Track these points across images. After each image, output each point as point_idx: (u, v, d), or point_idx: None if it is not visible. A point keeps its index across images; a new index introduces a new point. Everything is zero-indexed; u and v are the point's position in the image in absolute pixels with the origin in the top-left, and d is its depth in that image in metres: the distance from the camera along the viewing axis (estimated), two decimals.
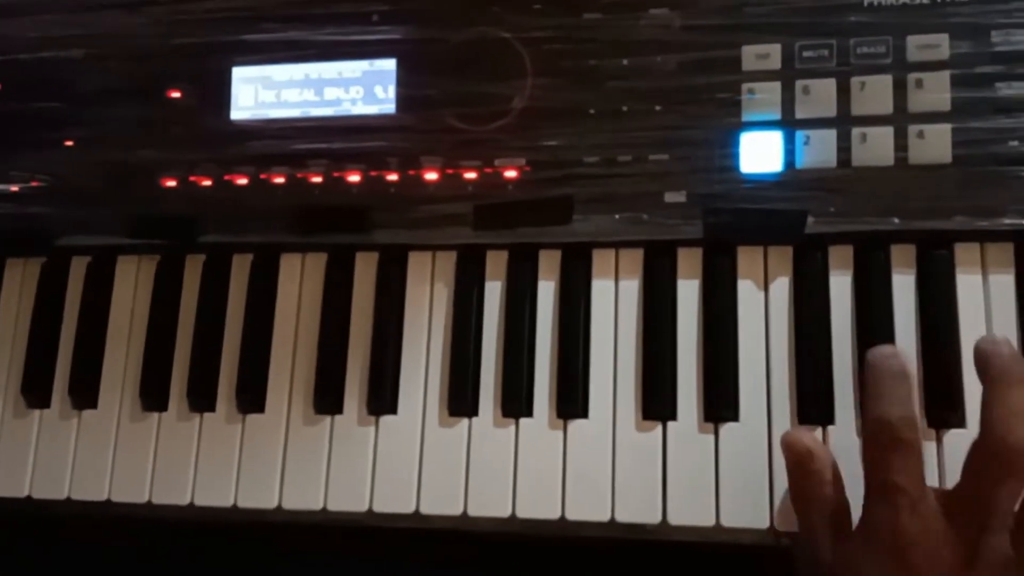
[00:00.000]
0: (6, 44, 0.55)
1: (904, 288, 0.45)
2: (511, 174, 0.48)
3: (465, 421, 0.47)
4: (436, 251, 0.50)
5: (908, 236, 0.45)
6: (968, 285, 0.45)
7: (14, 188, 0.54)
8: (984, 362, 0.40)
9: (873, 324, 0.45)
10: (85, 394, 0.52)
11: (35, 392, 0.52)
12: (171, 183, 0.51)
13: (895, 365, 0.40)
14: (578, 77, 0.48)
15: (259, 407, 0.50)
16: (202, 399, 0.50)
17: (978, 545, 0.38)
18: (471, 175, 0.49)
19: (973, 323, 0.44)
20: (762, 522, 0.43)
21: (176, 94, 0.52)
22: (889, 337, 0.44)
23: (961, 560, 0.38)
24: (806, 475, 0.41)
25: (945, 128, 0.44)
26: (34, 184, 0.54)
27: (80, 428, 0.51)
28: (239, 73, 0.52)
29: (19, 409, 0.53)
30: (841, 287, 0.45)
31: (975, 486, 0.39)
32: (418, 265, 0.50)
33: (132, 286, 0.53)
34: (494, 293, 0.49)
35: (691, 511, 0.44)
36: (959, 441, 0.42)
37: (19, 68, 0.54)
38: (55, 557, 0.55)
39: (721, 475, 0.44)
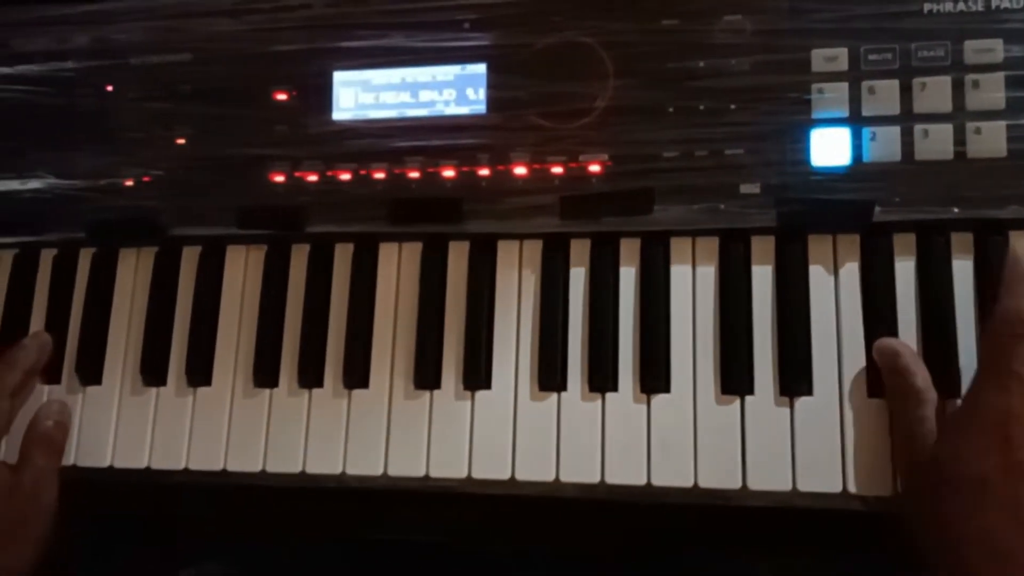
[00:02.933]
0: (117, 49, 0.59)
1: (963, 271, 0.49)
2: (595, 168, 0.52)
3: (555, 395, 0.52)
4: (523, 239, 0.54)
5: (966, 224, 0.49)
6: None
7: (128, 182, 0.58)
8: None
9: (934, 304, 0.49)
10: (200, 373, 0.56)
11: (153, 371, 0.57)
12: (279, 178, 0.56)
13: None
14: (657, 78, 0.52)
15: (364, 383, 0.54)
16: (311, 377, 0.55)
17: None
18: (557, 169, 0.53)
19: None
20: (835, 486, 0.47)
21: (281, 96, 0.56)
22: (950, 315, 0.48)
23: None
24: (896, 372, 0.46)
25: (1000, 125, 0.48)
26: (146, 179, 0.58)
27: (195, 404, 0.56)
28: (340, 77, 0.56)
29: (136, 387, 0.57)
30: (905, 271, 0.49)
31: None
32: (507, 252, 0.54)
33: (241, 273, 0.57)
34: (578, 278, 0.53)
35: (769, 477, 0.48)
36: None
37: (130, 71, 0.59)
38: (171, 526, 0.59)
39: (797, 444, 0.48)
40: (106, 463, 0.56)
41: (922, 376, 0.46)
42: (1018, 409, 0.42)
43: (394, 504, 0.54)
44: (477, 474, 0.51)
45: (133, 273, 0.59)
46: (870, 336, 0.49)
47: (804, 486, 0.48)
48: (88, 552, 0.59)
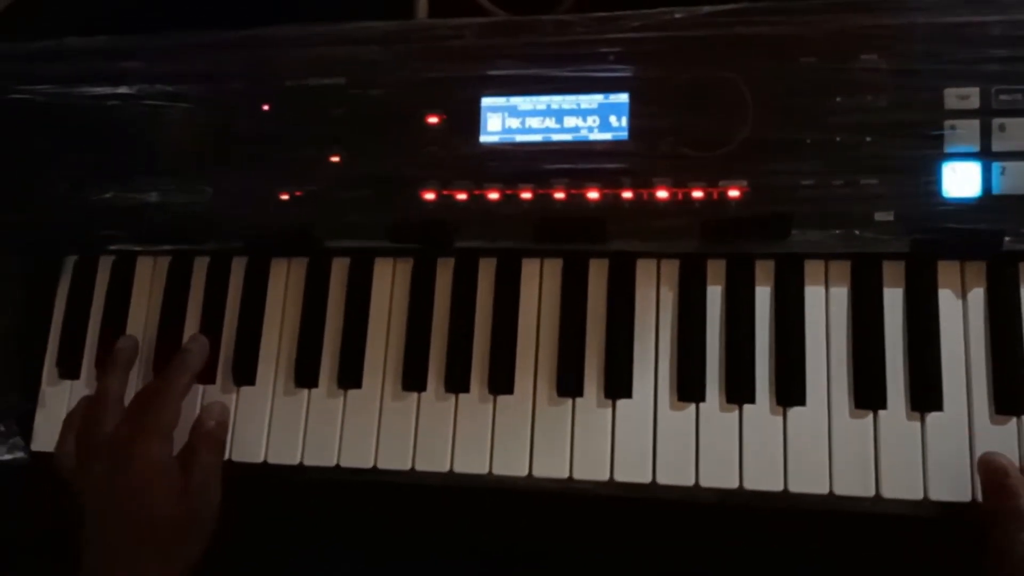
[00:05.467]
0: (274, 70, 0.63)
1: None
2: (734, 194, 0.56)
3: (693, 406, 0.55)
4: (661, 259, 0.58)
5: None
6: None
7: (284, 196, 0.62)
8: None
9: None
10: (351, 376, 0.60)
11: (305, 373, 0.61)
12: (429, 195, 0.60)
13: None
14: (795, 112, 0.55)
15: (508, 389, 0.58)
16: (458, 382, 0.58)
17: None
18: (697, 194, 0.56)
19: None
20: (966, 496, 0.51)
21: (433, 119, 0.60)
22: None
23: None
24: (1003, 491, 0.49)
25: None
26: (298, 194, 0.63)
27: (346, 405, 0.60)
28: (487, 103, 0.60)
29: (289, 388, 0.61)
30: None
31: None
32: (645, 271, 0.58)
33: (389, 284, 0.61)
34: (715, 296, 0.57)
35: (902, 486, 0.51)
36: None
37: (286, 92, 0.63)
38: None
39: (928, 455, 0.52)
40: (260, 459, 0.60)
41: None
42: None
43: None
44: (619, 477, 0.55)
45: (284, 281, 0.63)
46: (996, 357, 0.52)
47: (935, 495, 0.51)
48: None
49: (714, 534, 0.56)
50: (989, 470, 0.50)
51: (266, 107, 0.63)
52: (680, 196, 0.57)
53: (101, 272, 0.66)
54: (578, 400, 0.57)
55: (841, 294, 0.55)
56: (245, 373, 0.62)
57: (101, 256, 0.66)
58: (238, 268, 0.64)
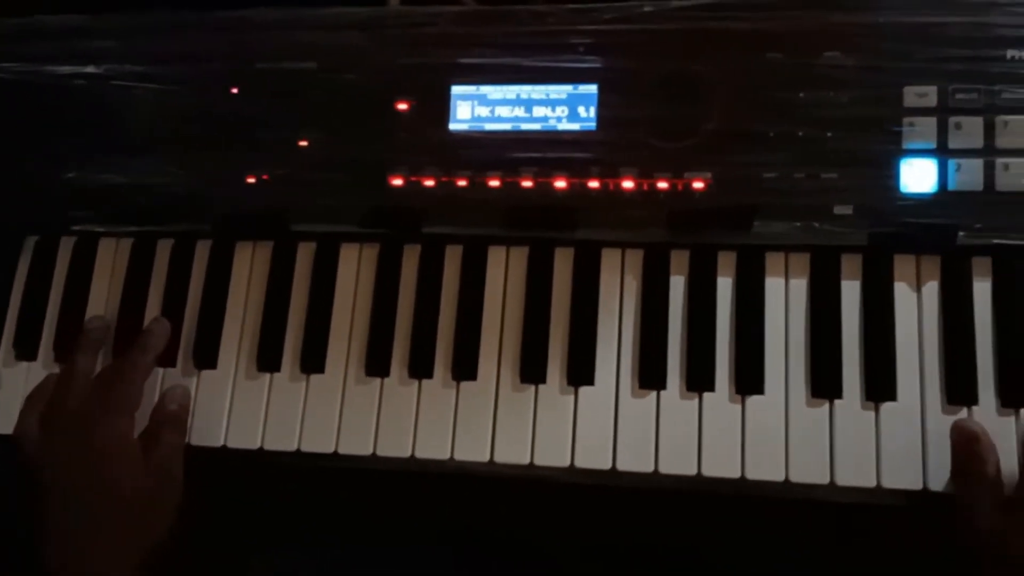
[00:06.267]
0: (245, 53, 0.63)
1: None
2: (699, 185, 0.57)
3: (654, 393, 0.56)
4: (626, 248, 0.59)
5: None
6: None
7: (250, 180, 0.62)
8: None
9: (1008, 322, 0.53)
10: (314, 360, 0.60)
11: (268, 357, 0.61)
12: (397, 181, 0.60)
13: None
14: (760, 105, 0.56)
15: (472, 375, 0.58)
16: (421, 367, 0.58)
17: None
18: (663, 185, 0.57)
19: None
20: (917, 484, 0.52)
21: (403, 106, 0.60)
22: (1021, 334, 0.53)
23: None
24: (971, 456, 0.50)
25: None
26: (265, 177, 0.62)
27: (308, 390, 0.60)
28: (458, 91, 0.60)
29: (251, 372, 0.61)
30: (982, 292, 0.54)
31: None
32: (610, 260, 0.59)
33: (355, 269, 0.61)
34: (677, 286, 0.58)
35: (856, 474, 0.52)
36: None
37: (257, 75, 0.63)
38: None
39: (882, 446, 0.53)
40: (220, 443, 0.60)
41: (993, 462, 0.50)
42: None
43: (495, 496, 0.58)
44: (580, 463, 0.55)
45: (249, 265, 0.63)
46: (948, 349, 0.53)
47: (888, 483, 0.52)
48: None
49: (674, 521, 0.57)
50: (961, 435, 0.51)
51: (235, 90, 0.63)
52: (646, 186, 0.57)
53: (62, 253, 0.65)
54: (541, 387, 0.57)
55: (800, 286, 0.56)
56: (207, 356, 0.61)
57: (63, 237, 0.65)
58: (203, 251, 0.63)
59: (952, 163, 0.54)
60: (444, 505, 0.59)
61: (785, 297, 0.56)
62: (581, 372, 0.57)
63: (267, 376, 0.60)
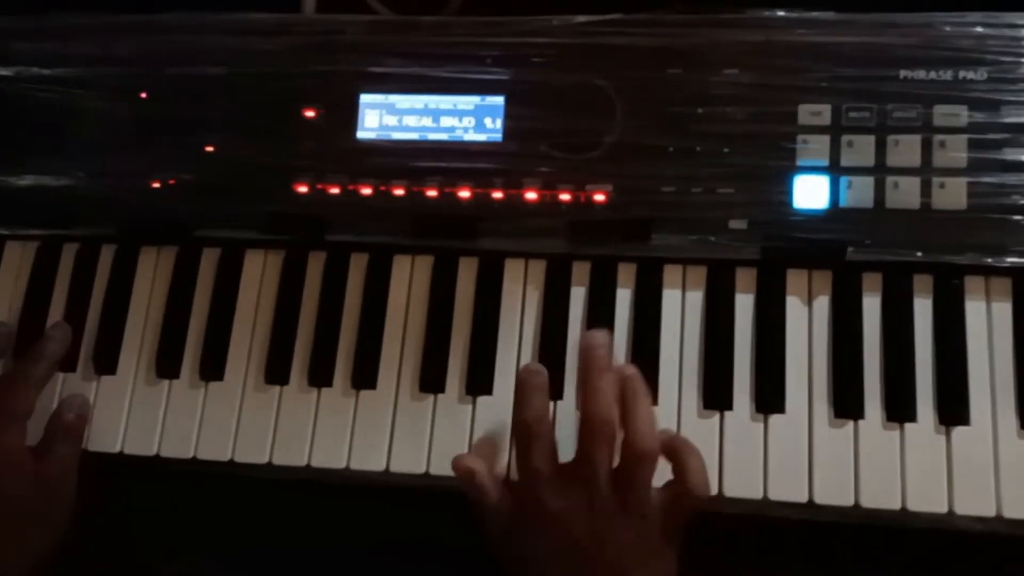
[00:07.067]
0: (154, 58, 0.62)
1: (923, 310, 0.54)
2: (600, 197, 0.57)
3: (551, 403, 0.55)
4: (529, 259, 0.59)
5: (928, 267, 0.54)
6: (975, 311, 0.54)
7: (155, 184, 0.62)
8: (584, 353, 0.52)
9: (895, 337, 0.54)
10: (213, 367, 0.59)
11: (167, 364, 0.60)
12: (303, 188, 0.60)
13: (537, 380, 0.52)
14: (660, 120, 0.57)
15: (371, 384, 0.58)
16: (321, 376, 0.58)
17: (591, 498, 0.49)
18: (565, 196, 0.57)
19: (978, 342, 0.54)
20: (803, 496, 0.52)
21: (310, 113, 0.60)
22: (909, 348, 0.54)
23: (584, 509, 0.49)
24: (473, 489, 0.52)
25: (962, 181, 0.54)
26: (172, 182, 0.62)
27: (207, 397, 0.59)
28: (366, 99, 0.60)
29: (150, 378, 0.60)
30: (872, 306, 0.55)
31: (582, 452, 0.50)
32: (513, 270, 0.59)
33: (259, 276, 0.61)
34: (578, 297, 0.58)
35: (743, 486, 0.53)
36: (969, 434, 0.52)
37: (166, 80, 0.62)
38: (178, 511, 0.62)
39: (769, 457, 0.53)
40: (116, 449, 0.59)
41: (495, 494, 0.52)
42: (544, 498, 0.50)
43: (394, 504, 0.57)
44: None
45: (153, 270, 0.62)
46: (837, 362, 0.54)
47: (774, 495, 0.52)
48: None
49: None
50: (458, 472, 0.53)
51: (144, 95, 0.63)
52: (548, 198, 0.58)
53: None
54: (440, 396, 0.57)
55: (696, 298, 0.56)
56: (107, 362, 0.60)
57: None
58: (107, 255, 0.63)
59: (844, 180, 0.55)
60: (344, 510, 0.59)
61: (681, 309, 0.56)
62: (480, 382, 0.57)
63: (166, 382, 0.60)
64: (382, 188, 0.59)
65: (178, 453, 0.58)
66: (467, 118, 0.60)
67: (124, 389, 0.60)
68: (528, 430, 0.51)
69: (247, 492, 0.60)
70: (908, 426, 0.53)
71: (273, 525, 0.61)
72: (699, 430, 0.54)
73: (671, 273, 0.57)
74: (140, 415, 0.59)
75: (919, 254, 0.54)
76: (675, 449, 0.51)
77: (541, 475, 0.50)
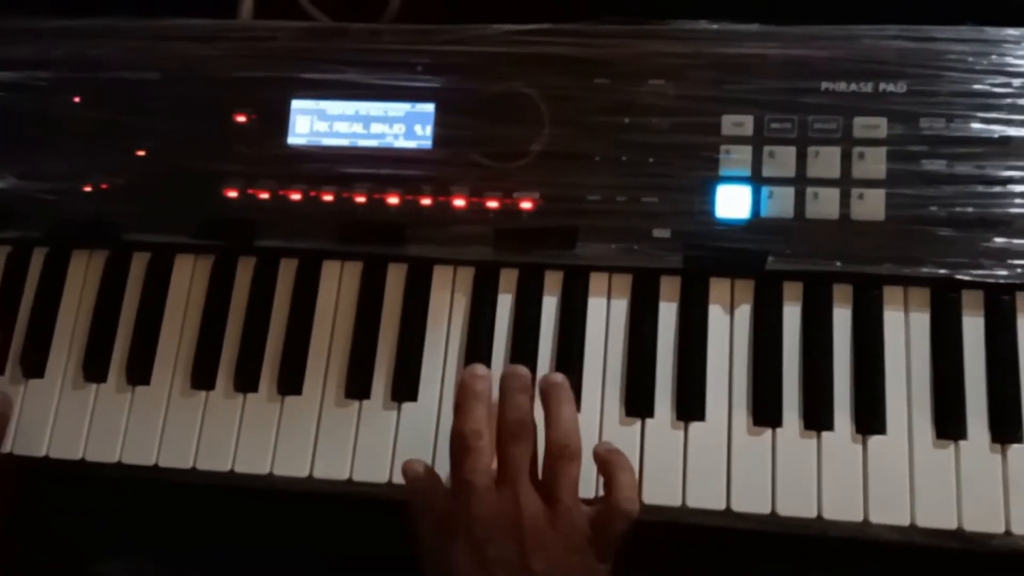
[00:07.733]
0: (88, 63, 0.62)
1: (842, 319, 0.55)
2: (527, 205, 0.57)
3: None
4: (457, 266, 0.59)
5: (847, 277, 0.55)
6: (893, 320, 0.55)
7: (87, 188, 0.62)
8: (505, 371, 0.53)
9: (815, 346, 0.55)
10: (140, 371, 0.59)
11: (94, 368, 0.60)
12: (232, 193, 0.60)
13: (478, 386, 0.52)
14: (587, 129, 0.57)
15: (297, 390, 0.58)
16: (247, 381, 0.58)
17: (517, 497, 0.49)
18: (492, 204, 0.58)
19: (895, 351, 0.54)
20: (721, 504, 0.52)
21: (241, 118, 0.60)
22: (829, 357, 0.54)
23: (512, 513, 0.49)
24: (415, 493, 0.52)
25: (880, 192, 0.55)
26: (104, 186, 0.62)
27: (133, 401, 0.59)
28: (297, 105, 0.60)
29: (77, 382, 0.60)
30: (792, 315, 0.55)
31: (501, 454, 0.51)
32: (441, 277, 0.59)
33: (188, 280, 0.61)
34: (505, 304, 0.58)
35: (663, 493, 0.53)
36: (885, 444, 0.52)
37: (99, 84, 0.62)
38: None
39: (689, 465, 0.53)
40: (42, 453, 0.59)
41: (439, 501, 0.51)
42: (475, 511, 0.49)
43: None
44: (399, 480, 0.55)
45: (83, 274, 0.62)
46: (757, 369, 0.55)
47: (692, 502, 0.53)
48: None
49: None
50: (406, 476, 0.53)
51: (78, 99, 0.63)
52: (477, 205, 0.58)
53: None
54: (365, 402, 0.57)
55: (621, 306, 0.57)
56: (35, 365, 0.60)
57: None
58: (38, 258, 0.62)
59: (765, 190, 0.56)
60: (271, 513, 0.59)
61: (606, 316, 0.57)
62: (405, 388, 0.57)
63: (93, 387, 0.59)
64: (312, 194, 0.59)
65: (103, 457, 0.58)
66: (397, 125, 0.60)
67: (52, 393, 0.60)
68: (464, 440, 0.51)
69: (175, 495, 0.60)
70: (825, 435, 0.53)
71: (202, 526, 0.61)
72: (621, 437, 0.54)
73: (597, 281, 0.57)
74: (67, 419, 0.59)
75: (838, 264, 0.54)
76: (608, 462, 0.51)
77: (474, 486, 0.50)
